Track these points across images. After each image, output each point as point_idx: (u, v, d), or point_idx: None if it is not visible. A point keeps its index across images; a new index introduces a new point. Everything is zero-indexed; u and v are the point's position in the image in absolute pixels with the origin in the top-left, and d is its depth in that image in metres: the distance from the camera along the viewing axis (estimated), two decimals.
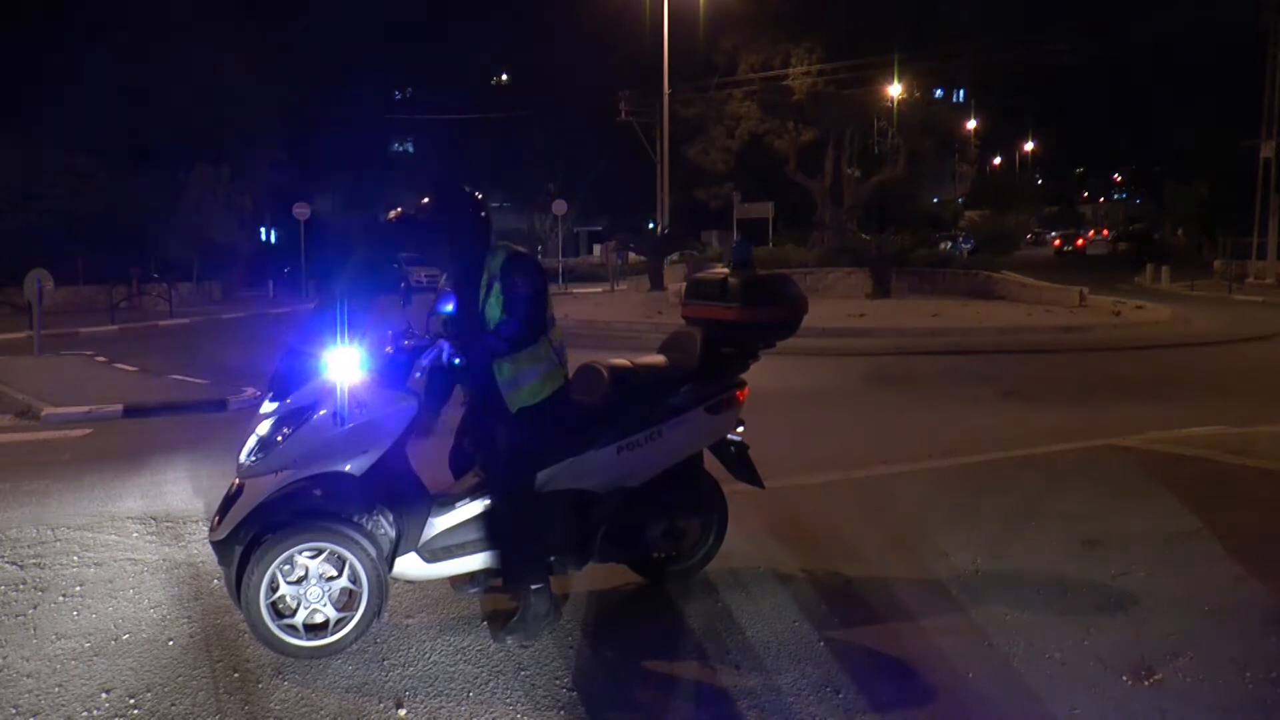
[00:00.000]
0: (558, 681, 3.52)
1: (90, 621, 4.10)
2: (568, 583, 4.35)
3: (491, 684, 3.51)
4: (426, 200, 3.98)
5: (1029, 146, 73.71)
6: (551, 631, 3.88)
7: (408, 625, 4.04)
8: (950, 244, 45.17)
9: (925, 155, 36.25)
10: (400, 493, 3.83)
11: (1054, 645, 3.78)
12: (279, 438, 3.68)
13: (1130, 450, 7.18)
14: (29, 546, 5.10)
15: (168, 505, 5.94)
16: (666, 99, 32.24)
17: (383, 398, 3.77)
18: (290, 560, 3.64)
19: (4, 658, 3.74)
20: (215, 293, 28.66)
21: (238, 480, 3.78)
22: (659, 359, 4.47)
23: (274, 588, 3.62)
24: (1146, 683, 3.49)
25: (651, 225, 38.09)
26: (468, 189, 4.05)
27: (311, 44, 34.39)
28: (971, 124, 48.71)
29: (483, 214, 4.00)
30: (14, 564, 4.83)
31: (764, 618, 4.07)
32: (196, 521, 5.50)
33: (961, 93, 52.13)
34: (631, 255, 35.98)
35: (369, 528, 3.77)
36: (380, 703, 3.38)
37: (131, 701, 3.39)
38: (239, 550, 3.64)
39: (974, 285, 26.53)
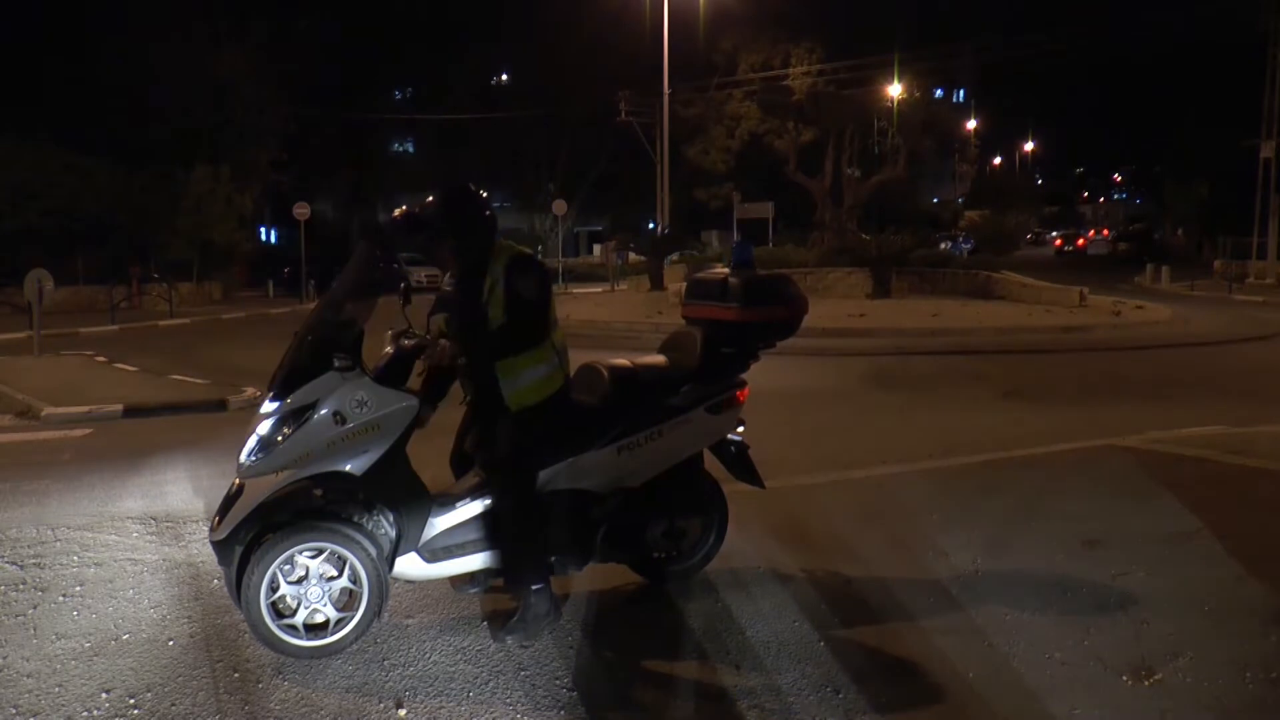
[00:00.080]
0: (558, 681, 3.52)
1: (90, 621, 4.10)
2: (568, 583, 4.35)
3: (491, 684, 3.51)
4: (433, 198, 3.99)
5: (1029, 146, 73.81)
6: (551, 631, 3.88)
7: (408, 625, 4.04)
8: (950, 244, 45.20)
9: (925, 155, 36.26)
10: (400, 493, 3.83)
11: (1054, 645, 3.78)
12: (279, 437, 3.68)
13: (1130, 450, 7.19)
14: (29, 546, 5.10)
15: (168, 505, 5.94)
16: (666, 99, 32.24)
17: (383, 397, 3.77)
18: (290, 560, 3.64)
19: (4, 658, 3.75)
20: (215, 293, 28.65)
21: (238, 480, 3.78)
22: (659, 359, 4.47)
23: (274, 588, 3.62)
24: (1146, 683, 3.49)
25: (651, 225, 38.11)
26: (473, 188, 4.05)
27: (312, 43, 34.34)
28: (971, 124, 48.79)
29: (488, 213, 4.01)
30: (14, 564, 4.83)
31: (764, 618, 4.07)
32: (196, 521, 5.51)
33: (961, 93, 52.22)
34: (631, 255, 35.96)
35: (369, 528, 3.77)
36: (380, 703, 3.38)
37: (131, 701, 3.39)
38: (239, 550, 3.65)
39: (974, 285, 26.53)
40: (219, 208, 27.77)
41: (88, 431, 8.69)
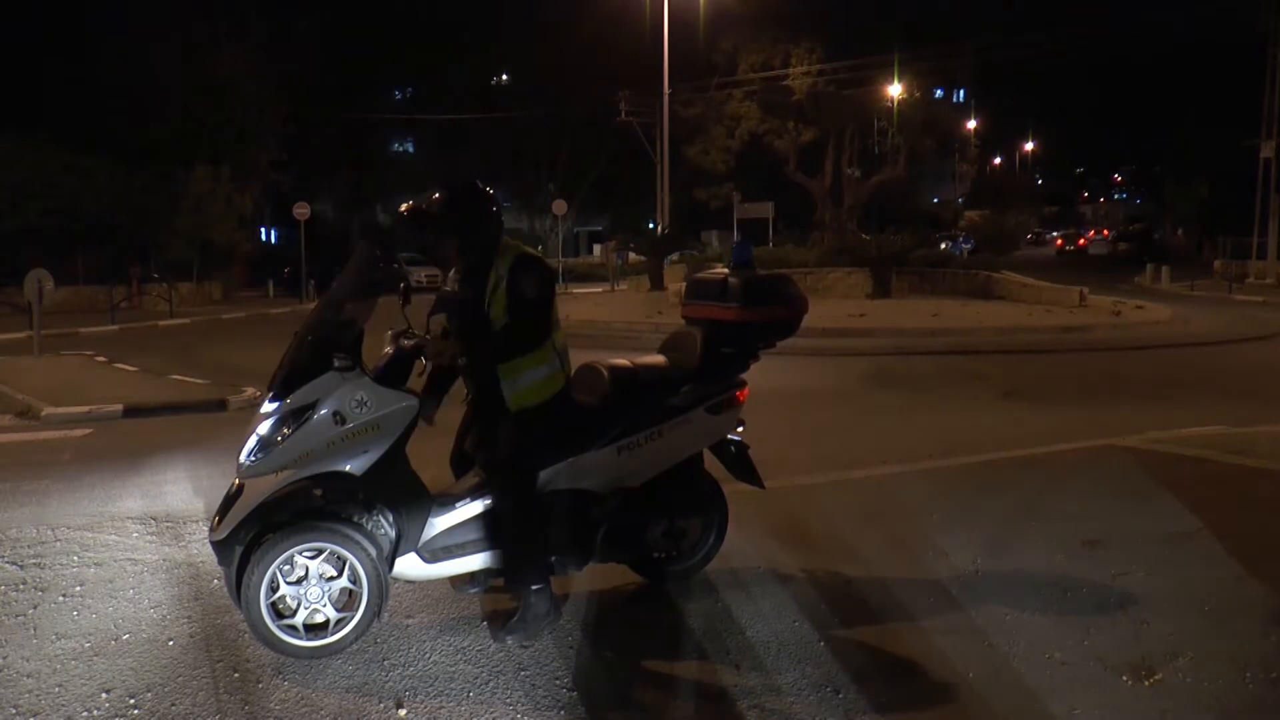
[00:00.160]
0: (558, 681, 3.52)
1: (90, 621, 4.10)
2: (568, 583, 4.35)
3: (491, 684, 3.51)
4: (439, 194, 3.97)
5: (1029, 146, 73.81)
6: (551, 631, 3.88)
7: (408, 625, 4.04)
8: (950, 244, 45.20)
9: (925, 155, 36.26)
10: (400, 493, 3.83)
11: (1054, 645, 3.78)
12: (279, 438, 3.68)
13: (1130, 450, 7.18)
14: (29, 546, 5.10)
15: (168, 505, 5.94)
16: (666, 99, 32.25)
17: (383, 397, 3.77)
18: (290, 560, 3.64)
19: (4, 658, 3.74)
20: (215, 293, 28.66)
21: (238, 480, 3.78)
22: (659, 359, 4.46)
23: (274, 588, 3.62)
24: (1146, 683, 3.49)
25: (651, 225, 38.09)
26: (480, 184, 4.04)
27: (311, 43, 34.36)
28: (971, 124, 48.79)
29: (494, 210, 4.00)
30: (14, 564, 4.83)
31: (764, 618, 4.07)
32: (196, 521, 5.50)
33: (961, 93, 52.21)
34: (631, 255, 35.97)
35: (369, 528, 3.77)
36: (380, 703, 3.38)
37: (131, 701, 3.39)
38: (239, 550, 3.64)
39: (974, 285, 26.53)
40: (219, 208, 27.77)
41: (88, 431, 8.69)
